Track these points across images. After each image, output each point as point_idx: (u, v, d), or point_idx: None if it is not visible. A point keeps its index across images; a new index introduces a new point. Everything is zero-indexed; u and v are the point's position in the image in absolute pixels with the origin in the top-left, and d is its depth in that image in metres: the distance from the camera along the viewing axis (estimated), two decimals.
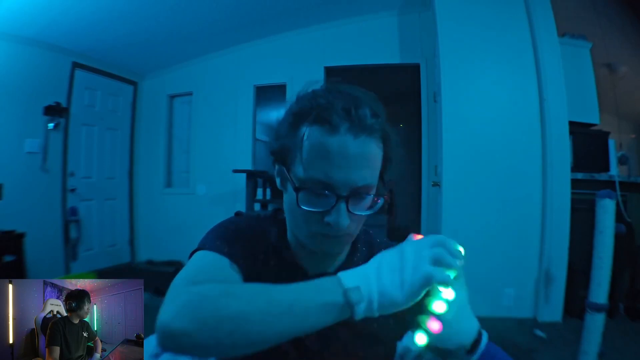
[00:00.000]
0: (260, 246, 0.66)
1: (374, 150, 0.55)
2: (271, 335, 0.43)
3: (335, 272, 0.57)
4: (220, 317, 0.42)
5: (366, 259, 0.62)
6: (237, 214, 0.73)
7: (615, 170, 2.69)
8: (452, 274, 0.47)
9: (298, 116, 0.56)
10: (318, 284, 0.47)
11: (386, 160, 0.59)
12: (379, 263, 0.48)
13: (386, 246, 0.66)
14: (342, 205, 0.53)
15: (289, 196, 0.58)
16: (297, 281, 0.52)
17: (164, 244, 4.00)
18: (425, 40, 3.26)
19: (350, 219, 0.55)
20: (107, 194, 3.92)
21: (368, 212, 0.57)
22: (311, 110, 0.54)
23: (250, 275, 0.59)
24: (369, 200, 0.57)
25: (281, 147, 0.59)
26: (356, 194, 0.54)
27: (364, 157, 0.53)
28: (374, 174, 0.56)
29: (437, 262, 0.46)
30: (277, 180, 0.62)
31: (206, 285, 0.47)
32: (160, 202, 4.18)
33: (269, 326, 0.43)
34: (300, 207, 0.54)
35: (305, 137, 0.54)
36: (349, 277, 0.47)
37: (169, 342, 0.42)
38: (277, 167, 0.61)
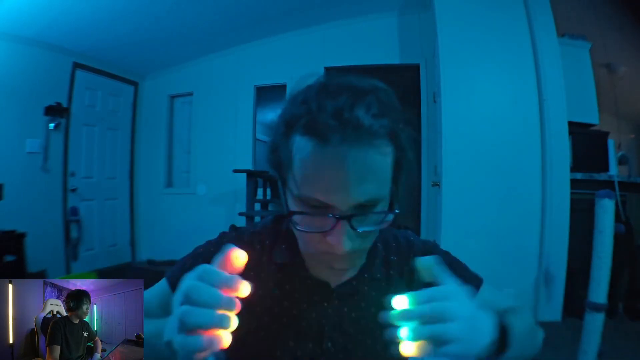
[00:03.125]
0: (256, 266, 0.60)
1: (379, 158, 0.45)
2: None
3: (358, 276, 0.59)
4: None
5: (384, 256, 0.62)
6: (231, 228, 0.69)
7: (614, 170, 2.69)
8: None
9: (286, 124, 0.48)
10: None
11: (399, 164, 0.49)
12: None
13: (400, 240, 0.65)
14: (344, 226, 0.46)
15: None
16: (321, 296, 0.52)
17: (165, 244, 4.01)
18: (425, 41, 3.26)
19: (355, 237, 0.47)
20: (107, 194, 3.92)
21: (376, 228, 0.49)
22: (299, 117, 0.46)
23: (272, 284, 0.58)
24: (379, 215, 0.48)
25: (275, 160, 0.51)
26: (360, 211, 0.46)
27: (364, 169, 0.44)
28: (381, 185, 0.47)
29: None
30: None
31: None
32: (161, 202, 4.19)
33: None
34: (297, 230, 0.49)
35: (294, 151, 0.46)
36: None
37: None
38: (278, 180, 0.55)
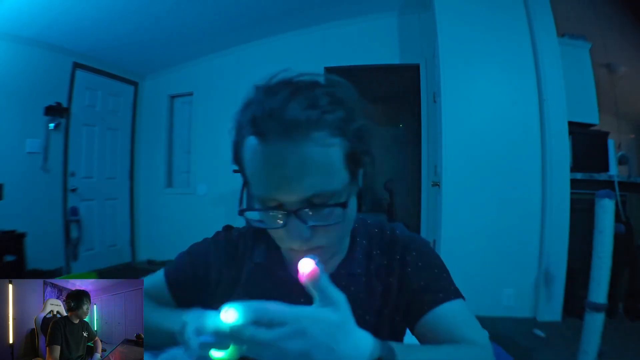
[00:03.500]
0: (238, 266, 0.63)
1: (320, 152, 0.45)
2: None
3: (337, 271, 0.59)
4: None
5: (368, 251, 0.62)
6: (225, 228, 0.70)
7: (614, 170, 2.69)
8: None
9: (236, 128, 0.50)
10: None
11: (353, 157, 0.48)
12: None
13: (385, 234, 0.64)
14: (295, 221, 0.47)
15: None
16: (298, 294, 0.52)
17: (165, 244, 4.01)
18: (425, 41, 3.26)
19: (309, 232, 0.48)
20: (107, 194, 3.92)
21: (328, 223, 0.48)
22: (245, 119, 0.48)
23: (252, 283, 0.61)
24: (331, 209, 0.48)
25: (236, 162, 0.53)
26: (310, 204, 0.47)
27: (304, 163, 0.45)
28: (327, 179, 0.46)
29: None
30: None
31: None
32: (161, 202, 4.19)
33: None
34: (254, 226, 0.52)
35: (244, 152, 0.49)
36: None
37: None
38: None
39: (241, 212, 0.50)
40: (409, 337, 0.85)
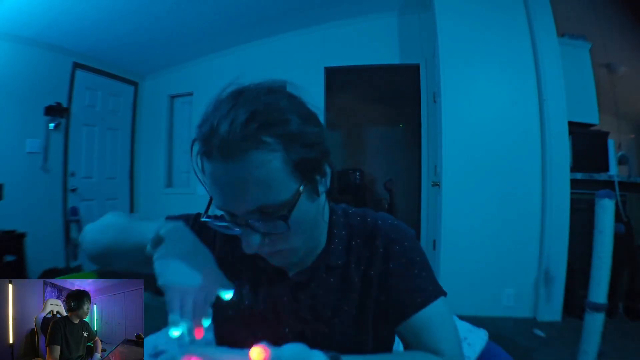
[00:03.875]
0: (225, 255, 0.65)
1: (261, 167, 0.45)
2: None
3: (315, 263, 0.61)
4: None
5: (347, 242, 0.62)
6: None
7: (614, 170, 2.69)
8: None
9: (191, 144, 0.51)
10: (150, 226, 0.56)
11: (299, 164, 0.48)
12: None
13: (368, 225, 0.64)
14: (245, 229, 0.50)
15: None
16: (278, 284, 0.56)
17: None
18: (425, 41, 3.26)
19: (263, 238, 0.50)
20: (107, 194, 3.92)
21: (278, 231, 0.50)
22: (196, 136, 0.50)
23: (232, 274, 0.62)
24: (276, 220, 0.49)
25: (196, 175, 0.55)
26: (259, 214, 0.48)
27: (245, 180, 0.46)
28: (272, 190, 0.47)
29: None
30: None
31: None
32: (161, 202, 4.18)
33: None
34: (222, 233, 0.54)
35: (198, 166, 0.51)
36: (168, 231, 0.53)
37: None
38: None
39: (202, 221, 0.52)
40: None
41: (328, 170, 0.54)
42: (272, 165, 0.46)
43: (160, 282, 0.48)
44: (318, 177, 0.52)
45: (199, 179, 0.52)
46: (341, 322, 0.59)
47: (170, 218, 0.67)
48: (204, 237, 0.62)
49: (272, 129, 0.46)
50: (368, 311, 0.60)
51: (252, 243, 0.50)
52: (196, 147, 0.49)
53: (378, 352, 0.61)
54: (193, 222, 0.69)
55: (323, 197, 0.57)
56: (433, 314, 0.57)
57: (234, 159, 0.45)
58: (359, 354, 0.51)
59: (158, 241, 0.52)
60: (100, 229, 0.63)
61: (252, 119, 0.45)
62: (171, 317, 0.44)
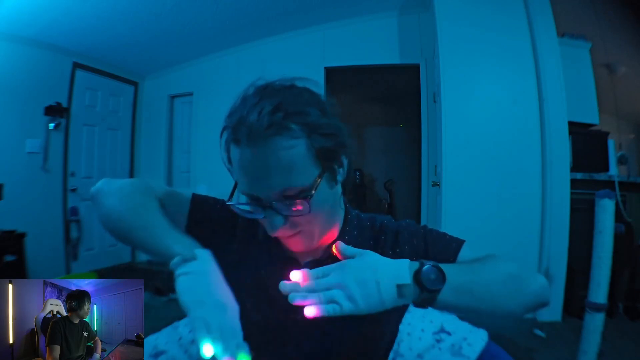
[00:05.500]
0: (244, 242, 0.68)
1: (283, 152, 0.51)
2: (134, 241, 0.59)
3: (327, 253, 0.64)
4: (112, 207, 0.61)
5: (357, 241, 0.66)
6: None
7: (614, 171, 2.69)
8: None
9: (221, 134, 0.58)
10: (182, 240, 0.56)
11: (319, 154, 0.54)
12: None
13: (375, 224, 0.70)
14: (269, 212, 0.54)
15: None
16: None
17: None
18: (425, 41, 3.26)
19: (286, 220, 0.55)
20: None
21: (300, 214, 0.54)
22: (225, 127, 0.56)
23: (249, 259, 0.66)
24: (299, 201, 0.54)
25: (224, 163, 0.61)
26: (283, 198, 0.53)
27: (268, 164, 0.51)
28: (294, 175, 0.52)
29: None
30: None
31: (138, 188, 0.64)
32: None
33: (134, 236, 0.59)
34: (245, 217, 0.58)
35: (228, 154, 0.57)
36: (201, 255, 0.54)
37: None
38: None
39: (228, 206, 0.58)
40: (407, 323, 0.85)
41: (345, 161, 0.59)
42: (295, 150, 0.51)
43: (185, 298, 0.49)
44: (336, 167, 0.57)
45: (226, 166, 0.59)
46: None
47: (197, 196, 0.71)
48: (225, 222, 0.68)
49: (296, 118, 0.51)
50: None
51: (275, 225, 0.55)
52: (225, 137, 0.56)
53: (386, 337, 0.69)
54: (221, 206, 0.72)
55: (339, 187, 0.62)
56: (468, 251, 0.67)
57: (261, 144, 0.50)
58: (369, 339, 0.61)
59: (186, 260, 0.53)
60: (128, 203, 0.61)
61: (277, 109, 0.50)
62: (200, 337, 0.46)
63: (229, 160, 0.57)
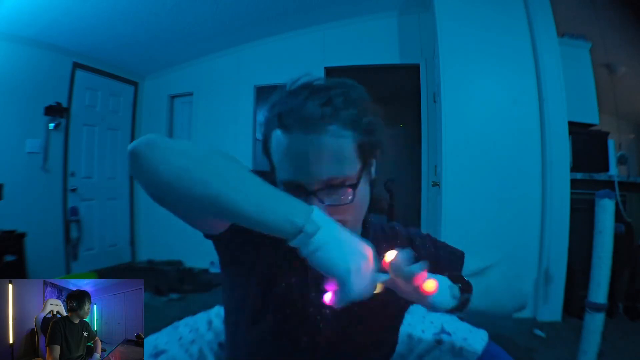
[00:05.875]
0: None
1: (334, 141, 0.54)
2: (213, 200, 0.46)
3: None
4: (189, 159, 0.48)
5: (374, 240, 0.64)
6: None
7: (614, 170, 2.69)
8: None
9: (265, 124, 0.60)
10: (294, 202, 0.48)
11: (363, 148, 0.57)
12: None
13: (386, 230, 0.72)
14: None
15: None
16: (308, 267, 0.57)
17: (165, 244, 4.00)
18: (425, 41, 3.26)
19: (325, 210, 0.53)
20: (107, 193, 3.92)
21: (342, 203, 0.56)
22: (272, 115, 0.58)
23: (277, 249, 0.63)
24: (342, 191, 0.56)
25: (265, 152, 0.63)
26: (327, 186, 0.55)
27: (320, 151, 0.53)
28: (341, 165, 0.55)
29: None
30: None
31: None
32: None
33: (222, 193, 0.46)
34: None
35: (271, 142, 0.58)
36: (320, 217, 0.47)
37: (133, 158, 0.49)
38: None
39: None
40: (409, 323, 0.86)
41: (374, 161, 0.62)
42: (344, 142, 0.55)
43: (339, 270, 0.45)
44: (372, 163, 0.61)
45: (267, 154, 0.61)
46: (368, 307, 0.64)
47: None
48: None
49: (345, 112, 0.55)
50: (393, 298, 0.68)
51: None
52: (267, 125, 0.58)
53: (389, 339, 0.72)
54: None
55: (369, 187, 0.63)
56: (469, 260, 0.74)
57: (313, 132, 0.53)
58: (375, 338, 0.65)
59: (312, 233, 0.46)
60: (217, 160, 0.49)
61: (330, 103, 0.54)
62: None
63: (265, 149, 0.60)
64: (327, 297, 0.48)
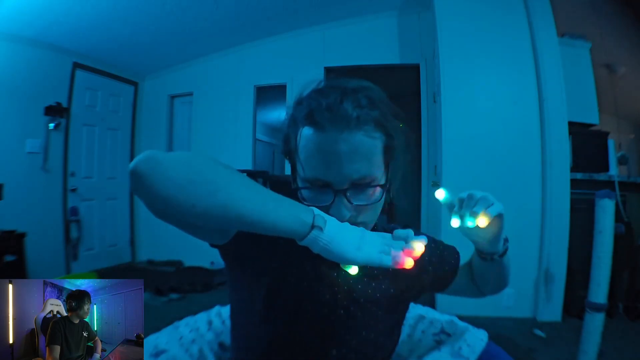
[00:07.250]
0: None
1: (366, 141, 0.55)
2: (222, 207, 0.46)
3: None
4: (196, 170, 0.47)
5: None
6: None
7: (614, 171, 2.69)
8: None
9: (292, 121, 0.60)
10: (295, 203, 0.50)
11: (389, 149, 0.58)
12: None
13: (390, 229, 0.71)
14: (341, 199, 0.55)
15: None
16: (323, 270, 0.61)
17: (165, 244, 4.00)
18: (425, 41, 3.26)
19: (352, 210, 0.56)
20: (107, 193, 3.92)
21: (370, 202, 0.57)
22: (302, 114, 0.57)
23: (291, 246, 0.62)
24: (370, 190, 0.57)
25: (286, 149, 0.62)
26: (355, 186, 0.55)
27: (353, 150, 0.54)
28: (371, 165, 0.56)
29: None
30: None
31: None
32: None
33: (231, 199, 0.46)
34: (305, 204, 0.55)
35: (299, 140, 0.58)
36: (321, 213, 0.50)
37: (134, 177, 0.45)
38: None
39: (294, 190, 0.59)
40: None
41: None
42: (375, 142, 0.56)
43: (351, 256, 0.49)
44: (390, 165, 0.61)
45: (288, 151, 0.61)
46: (377, 302, 0.66)
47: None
48: None
49: (375, 114, 0.56)
50: (415, 289, 0.73)
51: (344, 213, 0.55)
52: (294, 123, 0.58)
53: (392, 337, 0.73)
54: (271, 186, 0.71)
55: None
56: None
57: (348, 131, 0.53)
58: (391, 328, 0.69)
59: (320, 227, 0.48)
60: (219, 170, 0.48)
61: (361, 104, 0.55)
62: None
63: (289, 147, 0.60)
64: (354, 270, 0.51)
